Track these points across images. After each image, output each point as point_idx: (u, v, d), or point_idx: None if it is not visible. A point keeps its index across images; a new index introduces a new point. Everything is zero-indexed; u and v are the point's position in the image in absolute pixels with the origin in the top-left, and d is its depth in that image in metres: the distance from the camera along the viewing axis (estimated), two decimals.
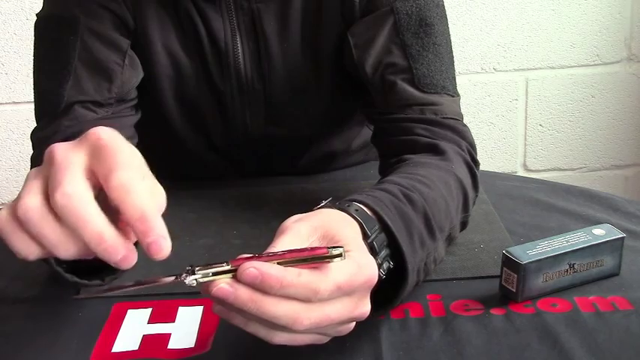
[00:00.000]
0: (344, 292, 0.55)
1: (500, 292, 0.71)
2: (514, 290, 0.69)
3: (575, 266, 0.71)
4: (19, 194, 0.51)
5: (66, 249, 0.50)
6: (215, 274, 0.53)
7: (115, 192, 0.49)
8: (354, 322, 0.59)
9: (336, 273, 0.54)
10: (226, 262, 0.53)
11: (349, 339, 0.64)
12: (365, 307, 0.58)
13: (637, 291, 0.72)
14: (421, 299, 0.71)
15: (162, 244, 0.49)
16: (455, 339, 0.65)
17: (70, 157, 0.50)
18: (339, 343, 0.64)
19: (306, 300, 0.53)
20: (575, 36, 1.96)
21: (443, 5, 0.91)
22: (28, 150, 0.88)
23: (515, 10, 1.93)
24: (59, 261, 0.60)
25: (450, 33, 0.92)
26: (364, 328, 0.64)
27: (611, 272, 0.74)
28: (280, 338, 0.55)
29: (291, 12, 0.92)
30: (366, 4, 0.90)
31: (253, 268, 0.52)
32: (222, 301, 0.53)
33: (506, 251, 0.70)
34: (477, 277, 0.75)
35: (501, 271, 0.71)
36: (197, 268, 0.53)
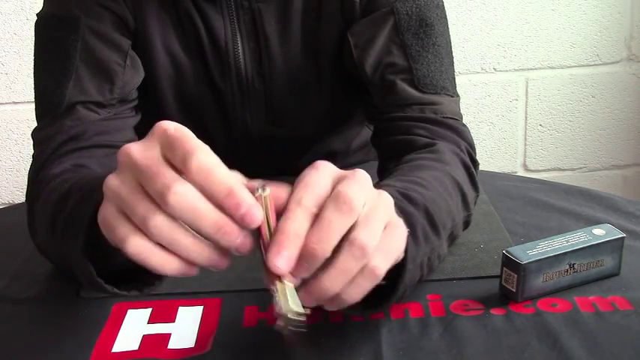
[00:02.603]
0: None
1: (500, 292, 0.71)
2: (514, 290, 0.69)
3: (575, 266, 0.71)
4: (130, 205, 0.52)
5: (199, 252, 0.52)
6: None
7: (197, 174, 0.51)
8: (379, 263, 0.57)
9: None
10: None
11: (349, 339, 0.64)
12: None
13: (637, 291, 0.72)
14: (421, 299, 0.71)
15: (256, 212, 0.51)
16: (455, 339, 0.65)
17: (150, 155, 0.52)
18: (339, 343, 0.64)
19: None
20: (575, 36, 1.96)
21: (443, 6, 0.91)
22: (28, 150, 0.88)
23: (515, 10, 1.93)
24: (100, 272, 0.61)
25: (450, 33, 0.92)
26: (364, 328, 0.65)
27: (611, 272, 0.74)
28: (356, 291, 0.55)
29: (292, 12, 0.92)
30: (366, 5, 0.90)
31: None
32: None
33: (506, 251, 0.70)
34: (477, 277, 0.75)
35: (501, 271, 0.71)
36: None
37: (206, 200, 0.51)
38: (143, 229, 0.52)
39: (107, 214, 0.54)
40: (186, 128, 0.53)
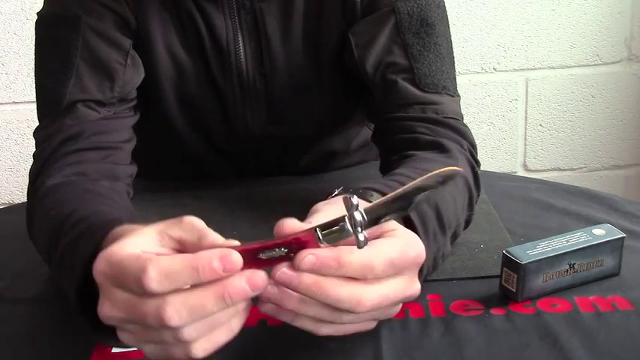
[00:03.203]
0: (396, 268, 0.56)
1: (501, 292, 0.71)
2: (514, 290, 0.69)
3: (575, 266, 0.71)
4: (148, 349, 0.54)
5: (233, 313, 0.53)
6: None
7: (160, 288, 0.51)
8: (400, 306, 0.60)
9: (388, 248, 0.55)
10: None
11: (349, 339, 0.64)
12: (416, 285, 0.59)
13: (637, 291, 0.72)
14: (421, 299, 0.71)
15: (227, 256, 0.51)
16: (455, 339, 0.65)
17: (122, 305, 0.52)
18: (339, 344, 0.64)
19: (362, 277, 0.54)
20: (575, 36, 1.96)
21: (444, 5, 0.91)
22: (28, 150, 0.88)
23: (515, 10, 1.93)
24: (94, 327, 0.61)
25: (451, 33, 0.92)
26: None
27: (611, 272, 0.74)
28: (328, 330, 0.57)
29: (293, 12, 0.92)
30: (367, 4, 0.90)
31: (311, 255, 0.53)
32: (274, 296, 0.54)
33: (506, 251, 0.70)
34: (477, 277, 0.75)
35: (501, 271, 0.71)
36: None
37: (190, 289, 0.51)
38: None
39: (128, 341, 0.54)
40: (119, 252, 0.52)
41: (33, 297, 0.76)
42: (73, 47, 0.86)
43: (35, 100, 0.90)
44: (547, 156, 2.06)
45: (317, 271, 0.53)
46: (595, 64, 1.99)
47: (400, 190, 0.54)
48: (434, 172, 0.55)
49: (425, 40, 0.88)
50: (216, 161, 1.03)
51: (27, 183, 0.85)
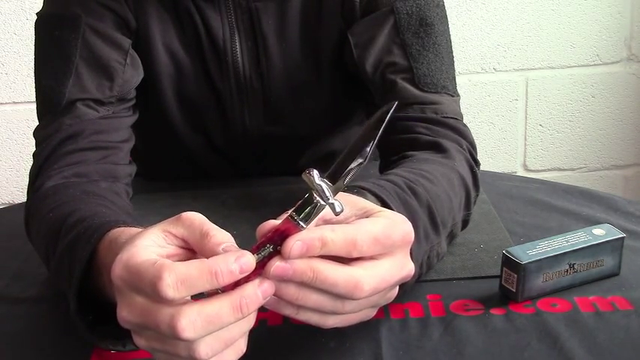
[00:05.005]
0: (384, 247, 0.56)
1: (500, 292, 0.71)
2: (514, 290, 0.69)
3: (575, 266, 0.71)
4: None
5: (246, 325, 0.53)
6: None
7: (176, 295, 0.50)
8: (397, 288, 0.60)
9: (371, 225, 0.55)
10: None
11: (349, 339, 0.64)
12: (409, 265, 0.59)
13: (637, 291, 0.72)
14: (421, 299, 0.71)
15: (241, 258, 0.52)
16: (455, 339, 0.65)
17: (135, 311, 0.52)
18: (339, 343, 0.64)
19: (347, 255, 0.54)
20: (575, 36, 1.96)
21: (443, 5, 0.92)
22: (28, 150, 0.88)
23: (515, 10, 1.93)
24: (92, 329, 0.61)
25: (450, 33, 0.92)
26: (364, 328, 0.65)
27: (611, 272, 0.74)
28: (334, 320, 0.56)
29: (290, 11, 0.92)
30: (366, 4, 0.90)
31: (298, 241, 0.52)
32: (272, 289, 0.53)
33: (506, 251, 0.70)
34: (477, 277, 0.75)
35: (501, 271, 0.71)
36: None
37: (205, 299, 0.51)
38: None
39: (142, 346, 0.54)
40: (136, 257, 0.52)
41: (33, 297, 0.76)
42: (72, 47, 0.86)
43: (35, 99, 0.90)
44: (547, 156, 2.07)
45: (305, 254, 0.53)
46: (595, 64, 1.99)
47: (350, 145, 0.55)
48: (373, 118, 0.55)
49: (424, 39, 0.88)
50: (215, 161, 1.03)
51: (27, 183, 0.85)
